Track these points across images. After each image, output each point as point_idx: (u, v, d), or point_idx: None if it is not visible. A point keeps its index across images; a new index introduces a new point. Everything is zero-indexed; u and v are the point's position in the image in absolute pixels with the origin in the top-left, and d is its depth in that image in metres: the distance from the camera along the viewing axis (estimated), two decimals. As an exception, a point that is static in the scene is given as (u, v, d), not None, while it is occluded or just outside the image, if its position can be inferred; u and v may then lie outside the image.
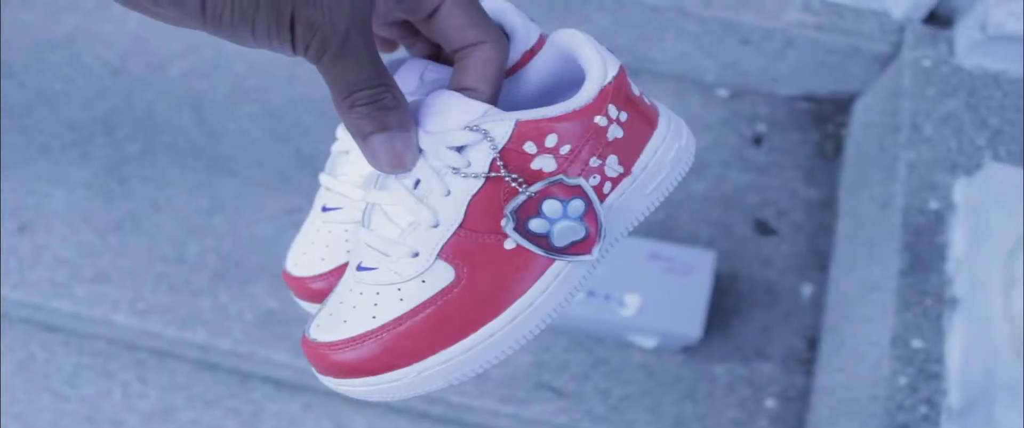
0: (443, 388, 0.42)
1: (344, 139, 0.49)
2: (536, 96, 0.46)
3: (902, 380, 0.97)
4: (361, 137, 0.40)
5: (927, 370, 0.98)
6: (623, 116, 0.43)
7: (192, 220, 1.29)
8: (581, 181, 0.41)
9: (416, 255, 0.41)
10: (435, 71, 0.45)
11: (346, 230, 0.48)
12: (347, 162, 0.48)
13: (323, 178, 0.49)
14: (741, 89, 1.42)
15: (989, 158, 1.14)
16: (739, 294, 1.24)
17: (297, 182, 1.33)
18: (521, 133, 0.40)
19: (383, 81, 0.38)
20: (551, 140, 0.41)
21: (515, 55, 0.46)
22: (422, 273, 0.41)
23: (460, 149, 0.40)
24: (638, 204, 0.45)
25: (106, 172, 1.33)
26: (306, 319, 0.45)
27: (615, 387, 1.17)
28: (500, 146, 0.40)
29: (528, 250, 0.41)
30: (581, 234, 0.42)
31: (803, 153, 1.37)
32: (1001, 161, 1.13)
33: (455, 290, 0.41)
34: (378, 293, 0.42)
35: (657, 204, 0.46)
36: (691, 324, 1.14)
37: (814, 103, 1.41)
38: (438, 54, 0.47)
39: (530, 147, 0.41)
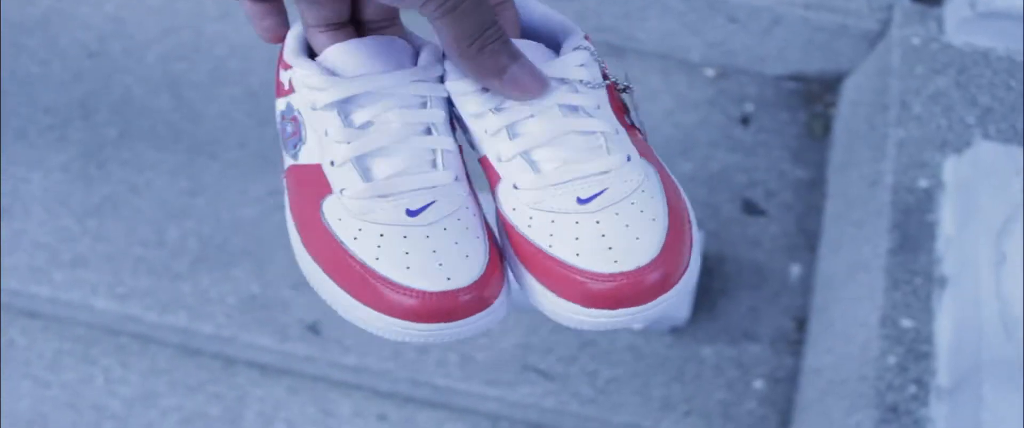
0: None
1: (341, 152, 0.43)
2: None
3: (891, 360, 0.96)
4: (498, 74, 0.41)
5: (916, 349, 0.97)
6: None
7: (172, 203, 1.27)
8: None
9: (630, 159, 0.44)
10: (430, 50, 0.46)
11: (458, 219, 0.43)
12: (384, 164, 0.43)
13: (369, 188, 0.42)
14: (728, 68, 1.40)
15: (979, 136, 1.13)
16: (727, 275, 1.23)
17: (280, 164, 1.31)
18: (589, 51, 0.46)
19: (495, 18, 0.41)
20: (595, 53, 0.47)
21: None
22: (644, 170, 0.44)
23: (582, 66, 0.44)
24: None
25: (84, 156, 1.31)
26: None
27: (603, 369, 1.16)
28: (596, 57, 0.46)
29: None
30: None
31: (791, 133, 1.36)
32: (991, 139, 1.13)
33: (660, 173, 0.45)
34: (632, 203, 0.42)
35: None
36: (678, 305, 1.13)
37: (802, 83, 1.40)
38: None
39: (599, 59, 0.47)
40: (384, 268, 0.42)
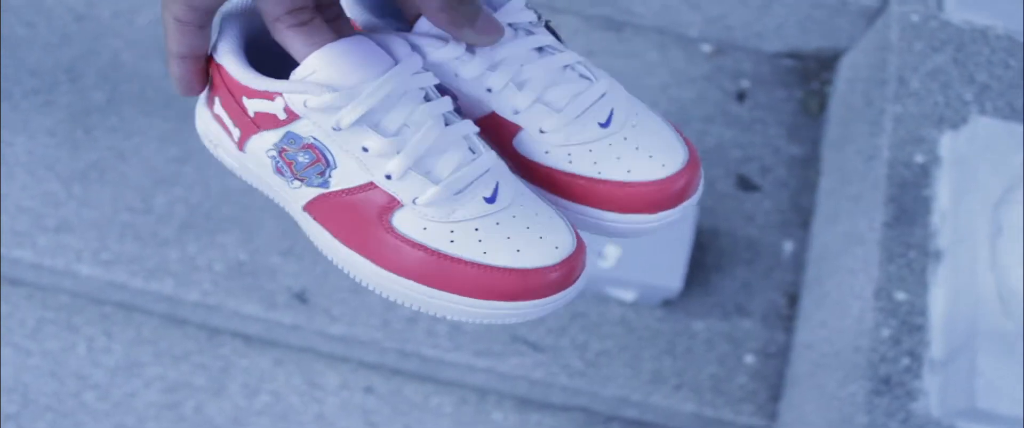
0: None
1: (395, 163, 0.42)
2: None
3: (885, 332, 0.95)
4: (471, 22, 0.43)
5: (910, 322, 0.96)
6: None
7: (160, 169, 1.26)
8: None
9: (608, 75, 0.48)
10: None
11: (523, 193, 0.45)
12: (442, 161, 0.43)
13: (442, 189, 0.42)
14: (725, 44, 1.39)
15: (975, 113, 1.12)
16: (720, 250, 1.22)
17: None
18: None
19: None
20: None
21: None
22: (611, 79, 0.48)
23: (526, 9, 0.46)
24: None
25: (71, 120, 1.29)
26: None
27: (593, 341, 1.15)
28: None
29: None
30: None
31: (787, 110, 1.35)
32: (987, 116, 1.12)
33: None
34: (637, 114, 0.47)
35: None
36: (671, 276, 1.12)
37: (799, 60, 1.39)
38: None
39: None
40: (498, 259, 0.42)
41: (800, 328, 1.15)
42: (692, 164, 0.46)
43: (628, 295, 1.15)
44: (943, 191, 1.05)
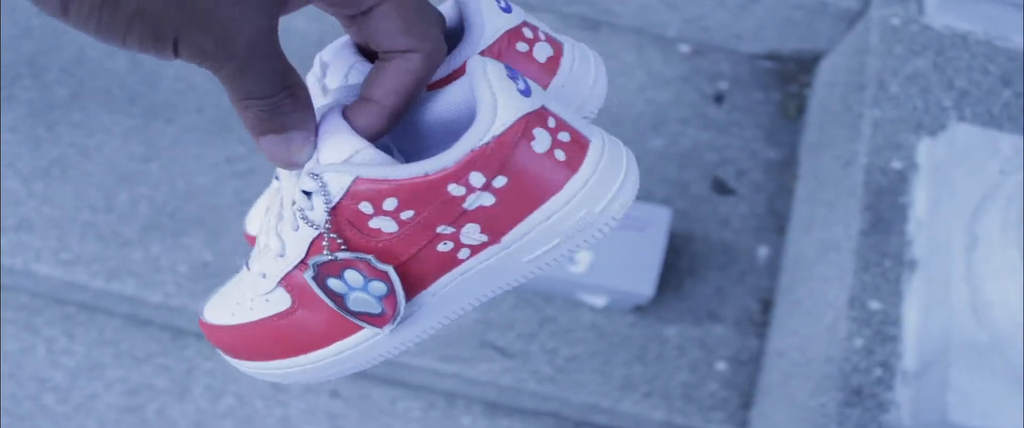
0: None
1: None
2: (454, 119, 0.42)
3: (858, 342, 0.93)
4: (256, 133, 0.38)
5: (884, 332, 0.94)
6: (499, 182, 0.38)
7: (124, 168, 1.23)
8: (389, 269, 0.40)
9: (264, 276, 0.43)
10: (361, 73, 0.41)
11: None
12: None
13: None
14: (703, 45, 1.37)
15: (954, 119, 1.10)
16: (693, 254, 1.20)
17: (239, 131, 1.26)
18: (357, 192, 0.38)
19: (285, 85, 0.36)
20: (390, 204, 0.38)
21: (460, 58, 0.43)
22: (266, 293, 0.43)
23: (308, 193, 0.39)
24: (507, 274, 0.42)
25: (32, 116, 1.26)
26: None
27: (563, 347, 1.13)
28: (334, 201, 0.39)
29: None
30: (376, 310, 0.42)
31: (764, 112, 1.33)
32: (966, 122, 1.10)
33: (289, 316, 0.43)
34: (243, 293, 0.45)
35: (537, 274, 0.42)
36: (643, 283, 1.10)
37: (777, 62, 1.37)
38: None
39: (366, 207, 0.38)
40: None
41: (773, 335, 1.14)
42: (208, 335, 0.46)
43: (599, 301, 1.13)
44: (920, 199, 1.03)
